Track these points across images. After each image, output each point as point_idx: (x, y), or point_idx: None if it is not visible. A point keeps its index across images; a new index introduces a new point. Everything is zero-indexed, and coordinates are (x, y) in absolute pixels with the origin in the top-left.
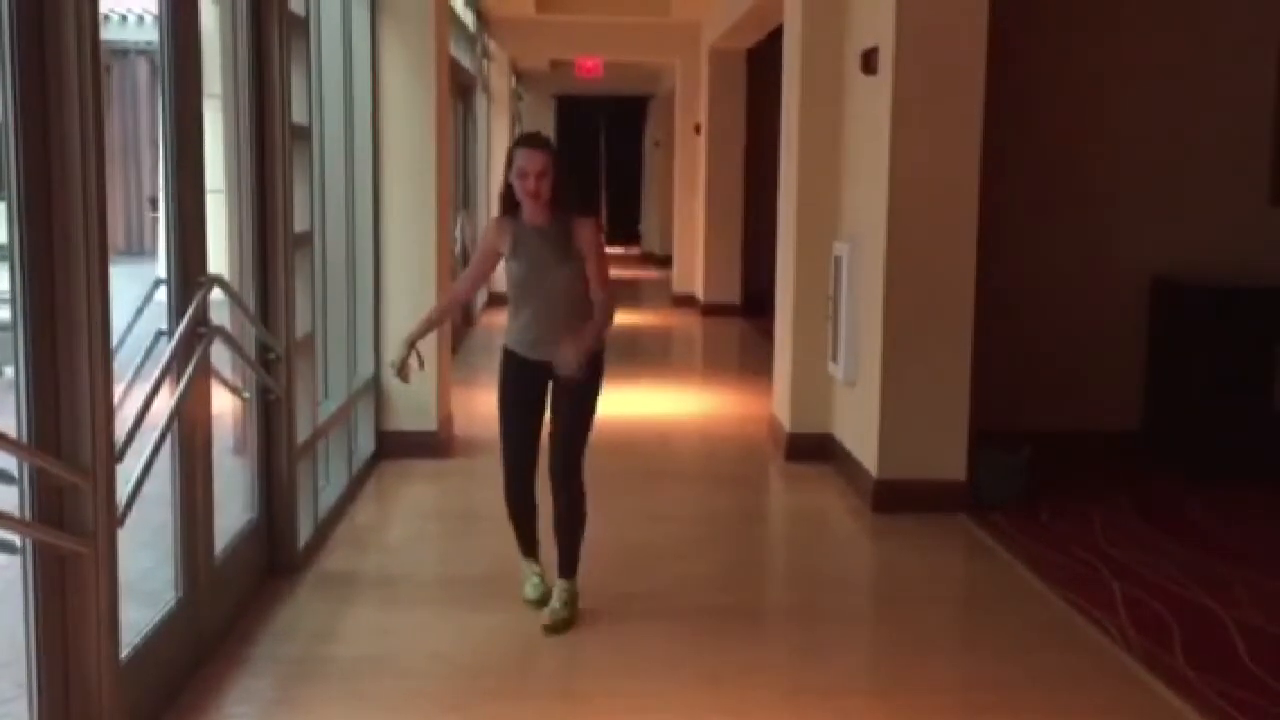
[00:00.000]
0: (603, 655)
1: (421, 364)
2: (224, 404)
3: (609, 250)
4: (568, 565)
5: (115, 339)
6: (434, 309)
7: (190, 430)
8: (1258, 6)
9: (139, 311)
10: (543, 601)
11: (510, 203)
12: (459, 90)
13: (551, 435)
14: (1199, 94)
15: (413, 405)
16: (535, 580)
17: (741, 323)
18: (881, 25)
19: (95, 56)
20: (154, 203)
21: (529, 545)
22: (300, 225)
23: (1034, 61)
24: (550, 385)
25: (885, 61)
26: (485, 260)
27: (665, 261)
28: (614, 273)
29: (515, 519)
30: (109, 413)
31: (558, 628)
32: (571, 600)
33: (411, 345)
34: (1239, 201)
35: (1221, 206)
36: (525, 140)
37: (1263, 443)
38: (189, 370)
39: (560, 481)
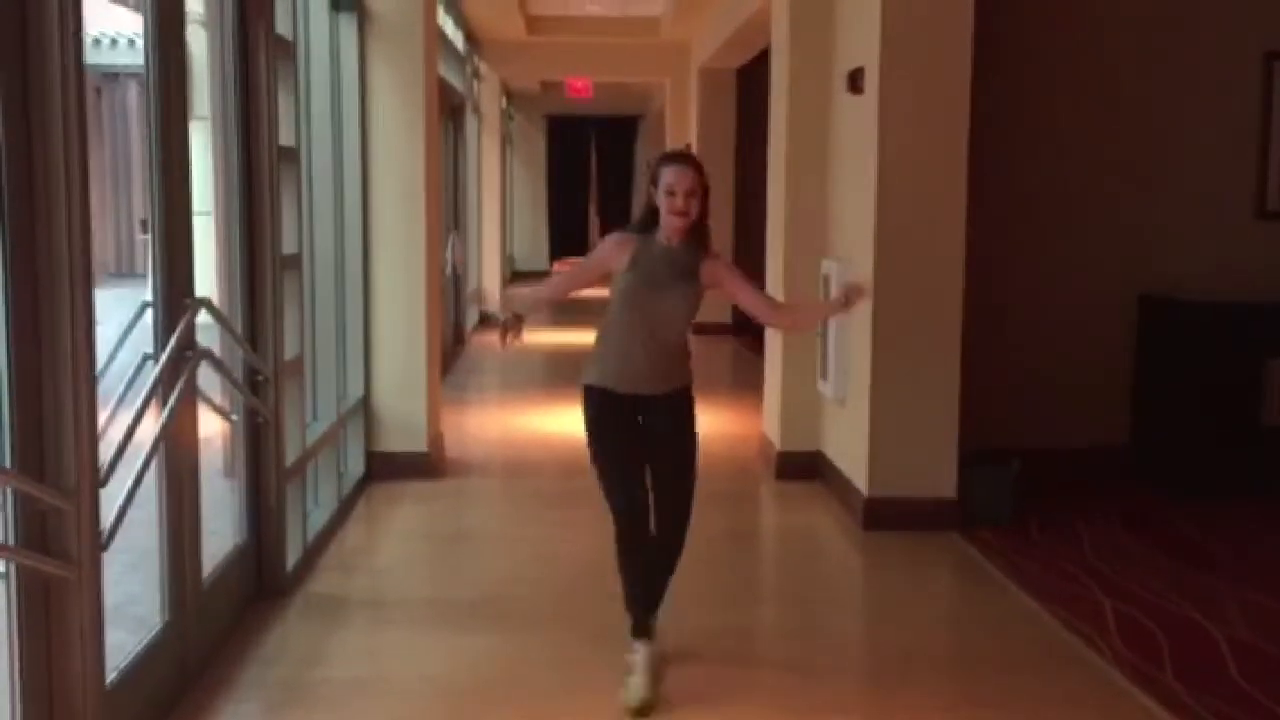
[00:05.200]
0: (594, 675)
1: (520, 335)
2: (213, 426)
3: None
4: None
5: (101, 362)
6: (537, 290)
7: (177, 453)
8: (1242, 21)
9: (125, 333)
10: (643, 711)
11: (646, 222)
12: (449, 111)
13: (662, 467)
14: (1185, 110)
15: (402, 426)
16: (645, 675)
17: (733, 341)
18: (867, 46)
19: (80, 79)
20: (144, 225)
21: (649, 613)
22: (288, 247)
23: (1019, 80)
24: (645, 418)
25: (871, 81)
26: (591, 270)
27: None
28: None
29: (638, 577)
30: (93, 436)
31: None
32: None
33: (514, 313)
34: (1226, 216)
35: (1208, 221)
36: (673, 158)
37: (1252, 458)
38: (175, 393)
39: (677, 513)
